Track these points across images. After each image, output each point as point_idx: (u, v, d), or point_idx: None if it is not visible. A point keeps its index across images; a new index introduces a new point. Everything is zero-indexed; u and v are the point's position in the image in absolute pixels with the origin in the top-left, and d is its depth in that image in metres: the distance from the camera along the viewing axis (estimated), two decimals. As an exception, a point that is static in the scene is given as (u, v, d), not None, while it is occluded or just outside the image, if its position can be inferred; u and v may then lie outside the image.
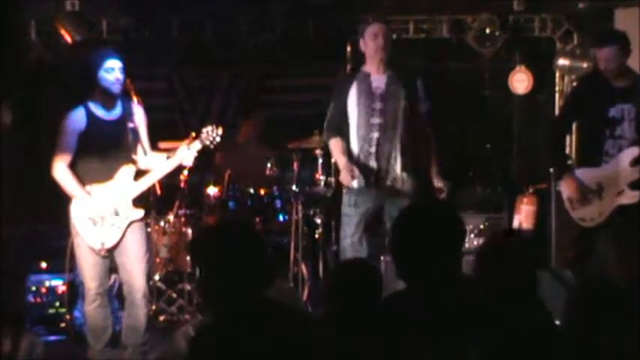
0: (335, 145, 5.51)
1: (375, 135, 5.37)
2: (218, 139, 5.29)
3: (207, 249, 2.98)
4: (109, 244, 5.11)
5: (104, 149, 5.11)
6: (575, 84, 7.13)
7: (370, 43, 5.40)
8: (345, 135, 5.46)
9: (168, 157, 5.30)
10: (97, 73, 5.04)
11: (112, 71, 5.04)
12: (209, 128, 5.29)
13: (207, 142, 5.29)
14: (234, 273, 2.90)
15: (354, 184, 5.33)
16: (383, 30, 5.42)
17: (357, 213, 5.40)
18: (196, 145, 5.27)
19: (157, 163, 5.28)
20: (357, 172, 5.32)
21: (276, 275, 5.97)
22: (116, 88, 5.07)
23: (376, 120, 5.37)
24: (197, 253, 3.02)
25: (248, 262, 2.91)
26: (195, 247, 3.09)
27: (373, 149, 5.37)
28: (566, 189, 5.52)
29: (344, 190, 5.50)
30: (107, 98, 5.09)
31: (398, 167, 5.39)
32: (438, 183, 5.49)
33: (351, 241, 5.41)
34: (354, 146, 5.41)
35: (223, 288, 2.93)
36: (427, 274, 2.92)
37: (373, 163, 5.38)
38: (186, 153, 5.26)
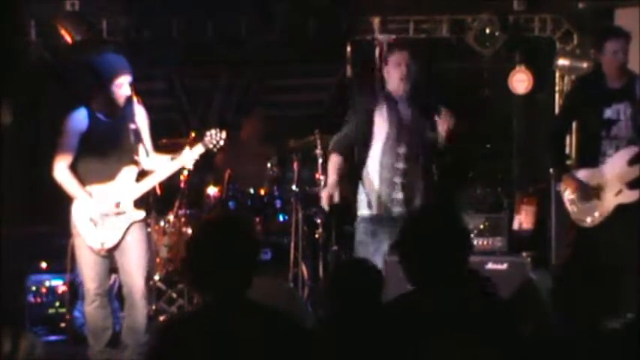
0: (334, 161, 5.47)
1: (402, 165, 5.30)
2: (222, 142, 5.29)
3: (199, 242, 2.99)
4: (108, 245, 5.11)
5: (105, 150, 5.10)
6: (573, 85, 7.13)
7: (393, 71, 5.33)
8: (352, 155, 5.41)
9: (172, 159, 5.29)
10: (107, 86, 5.02)
11: (122, 87, 5.03)
12: (213, 131, 5.28)
13: (211, 146, 5.28)
14: (217, 268, 2.92)
15: (326, 207, 5.36)
16: (406, 58, 5.32)
17: (373, 242, 5.34)
18: (199, 149, 5.26)
19: (159, 165, 5.28)
20: (336, 198, 5.31)
21: (275, 274, 6.01)
22: (122, 102, 5.07)
23: (402, 150, 5.30)
24: (191, 245, 3.03)
25: (234, 260, 2.93)
26: (192, 241, 3.10)
27: (399, 179, 5.31)
28: (567, 189, 5.53)
29: (359, 218, 5.44)
30: (111, 108, 5.09)
31: (419, 196, 5.33)
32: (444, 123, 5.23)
33: None
34: (377, 174, 5.34)
35: (207, 282, 2.95)
36: (434, 276, 2.91)
37: (398, 194, 5.32)
38: (189, 156, 5.25)
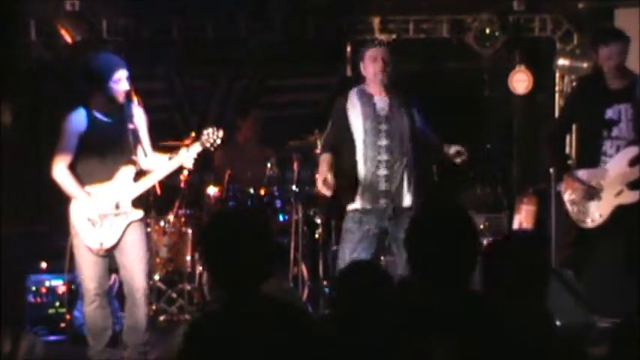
0: (323, 156, 5.48)
1: (384, 157, 5.30)
2: (219, 141, 5.29)
3: (215, 236, 2.99)
4: (107, 245, 5.11)
5: (104, 150, 5.10)
6: (574, 85, 7.14)
7: (370, 66, 5.35)
8: (341, 154, 5.41)
9: (170, 159, 5.29)
10: (105, 83, 5.03)
11: (120, 82, 5.04)
12: (210, 130, 5.29)
13: (208, 145, 5.29)
14: (235, 264, 2.92)
15: (326, 192, 5.33)
16: (382, 53, 5.35)
17: (360, 230, 5.35)
18: (196, 148, 5.26)
19: (157, 164, 5.29)
20: (330, 181, 5.29)
21: (275, 274, 6.00)
22: (122, 98, 5.08)
23: (383, 142, 5.30)
24: (206, 238, 3.04)
25: (251, 255, 2.93)
26: (206, 233, 3.10)
27: (382, 172, 5.31)
28: (567, 189, 5.53)
29: (348, 208, 5.42)
30: (111, 107, 5.09)
31: (406, 188, 5.33)
32: (452, 149, 5.41)
33: (349, 259, 5.23)
34: (361, 167, 5.34)
35: (224, 278, 2.95)
36: (437, 274, 2.90)
37: (383, 186, 5.32)
38: (186, 155, 5.26)
